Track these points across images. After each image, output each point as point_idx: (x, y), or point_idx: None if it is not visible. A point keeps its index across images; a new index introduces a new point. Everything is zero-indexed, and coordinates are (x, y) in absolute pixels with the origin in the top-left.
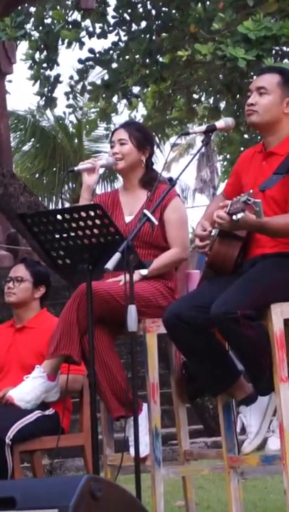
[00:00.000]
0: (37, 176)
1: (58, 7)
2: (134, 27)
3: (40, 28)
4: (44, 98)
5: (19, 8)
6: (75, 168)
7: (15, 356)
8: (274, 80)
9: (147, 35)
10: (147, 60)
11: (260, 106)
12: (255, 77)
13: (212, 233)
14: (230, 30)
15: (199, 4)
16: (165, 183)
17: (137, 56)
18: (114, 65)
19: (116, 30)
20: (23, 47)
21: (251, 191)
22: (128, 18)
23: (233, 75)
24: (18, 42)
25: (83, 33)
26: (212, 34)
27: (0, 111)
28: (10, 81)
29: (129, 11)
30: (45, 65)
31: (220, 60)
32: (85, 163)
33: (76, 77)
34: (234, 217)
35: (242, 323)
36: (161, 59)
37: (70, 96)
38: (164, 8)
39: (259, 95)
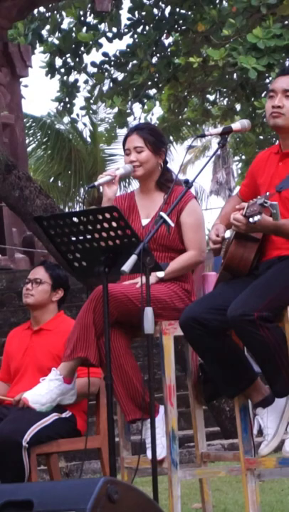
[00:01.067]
0: (52, 179)
1: (73, 8)
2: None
3: (57, 33)
4: (62, 104)
5: (34, 13)
6: (96, 183)
7: (31, 358)
8: None
9: (157, 33)
10: (155, 59)
11: (287, 109)
12: (279, 76)
13: (226, 236)
14: (240, 37)
15: (212, 6)
16: (181, 185)
17: (143, 55)
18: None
19: (130, 32)
20: (39, 51)
21: (268, 193)
22: (142, 20)
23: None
24: (35, 46)
25: (100, 37)
26: (222, 40)
27: (15, 114)
28: (26, 86)
29: (143, 13)
30: (62, 70)
31: (231, 68)
32: (104, 177)
33: (91, 82)
34: (251, 219)
35: (258, 325)
36: (177, 60)
37: (91, 101)
38: (177, 9)
39: (286, 98)
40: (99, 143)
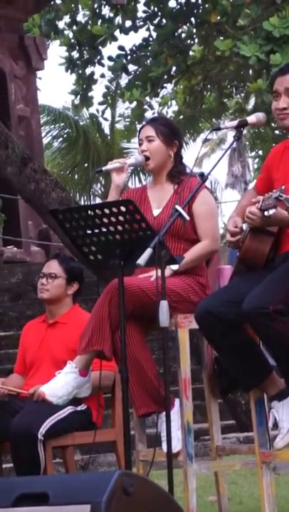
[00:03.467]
0: (68, 171)
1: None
2: (164, 21)
3: (74, 26)
4: (79, 97)
5: (51, 4)
6: (104, 168)
7: (47, 352)
8: None
9: (173, 25)
10: (169, 51)
11: None
12: (278, 76)
13: (244, 228)
14: (255, 27)
15: None
16: (194, 176)
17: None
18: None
19: (146, 26)
20: (56, 44)
21: (283, 187)
22: (159, 13)
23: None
24: (50, 40)
25: (115, 29)
26: (237, 30)
27: (31, 107)
28: (40, 78)
29: (161, 5)
30: (79, 63)
31: (236, 57)
32: (113, 163)
33: (106, 75)
34: (266, 213)
35: (274, 319)
36: (191, 52)
37: (108, 97)
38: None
39: (288, 97)
40: (116, 136)
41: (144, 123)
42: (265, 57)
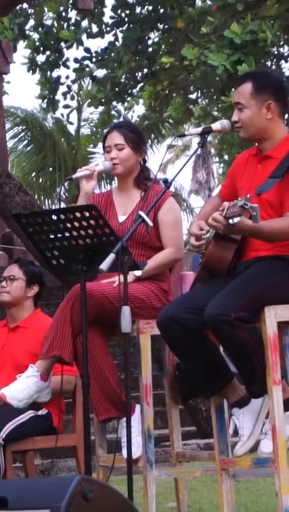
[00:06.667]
0: (33, 175)
1: (53, 3)
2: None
3: (40, 29)
4: (46, 101)
5: (17, 8)
6: (73, 176)
7: (8, 356)
8: (247, 92)
9: (140, 30)
10: (137, 57)
11: (242, 122)
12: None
13: (208, 234)
14: (217, 35)
15: (190, 3)
16: (160, 184)
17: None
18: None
19: (113, 31)
20: (23, 47)
21: (248, 195)
22: (126, 19)
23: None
24: (17, 42)
25: (82, 34)
26: (201, 38)
27: None
28: (8, 82)
29: (127, 11)
30: (45, 66)
31: (204, 66)
32: (83, 170)
33: (72, 77)
34: (230, 221)
35: (235, 326)
36: (163, 59)
37: (68, 96)
38: (160, 8)
39: (239, 111)
40: (81, 141)
41: (110, 129)
42: (232, 68)
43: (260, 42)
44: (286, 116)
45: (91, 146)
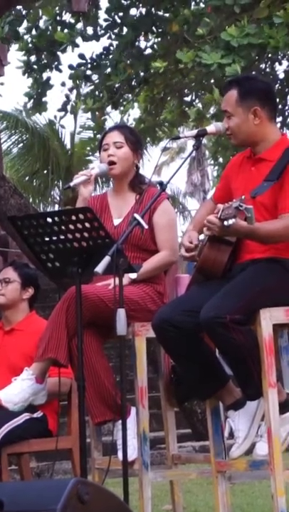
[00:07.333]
0: (27, 178)
1: (50, 7)
2: (125, 30)
3: (34, 30)
4: (32, 100)
5: (13, 10)
6: (72, 184)
7: (3, 358)
8: (232, 99)
9: (134, 34)
10: (132, 60)
11: (232, 129)
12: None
13: (201, 238)
14: (213, 37)
15: (185, 5)
16: (154, 186)
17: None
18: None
19: (108, 34)
20: (16, 49)
21: (243, 197)
22: (119, 21)
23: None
24: (11, 44)
25: (76, 36)
26: (197, 40)
27: None
28: (2, 83)
29: (121, 14)
30: (36, 67)
31: (199, 67)
32: (79, 177)
33: (67, 84)
34: (225, 222)
35: (231, 328)
36: (156, 64)
37: (68, 107)
38: (154, 11)
39: (228, 118)
40: (77, 146)
41: (109, 129)
42: (221, 71)
43: (262, 46)
44: (280, 118)
45: (88, 148)
